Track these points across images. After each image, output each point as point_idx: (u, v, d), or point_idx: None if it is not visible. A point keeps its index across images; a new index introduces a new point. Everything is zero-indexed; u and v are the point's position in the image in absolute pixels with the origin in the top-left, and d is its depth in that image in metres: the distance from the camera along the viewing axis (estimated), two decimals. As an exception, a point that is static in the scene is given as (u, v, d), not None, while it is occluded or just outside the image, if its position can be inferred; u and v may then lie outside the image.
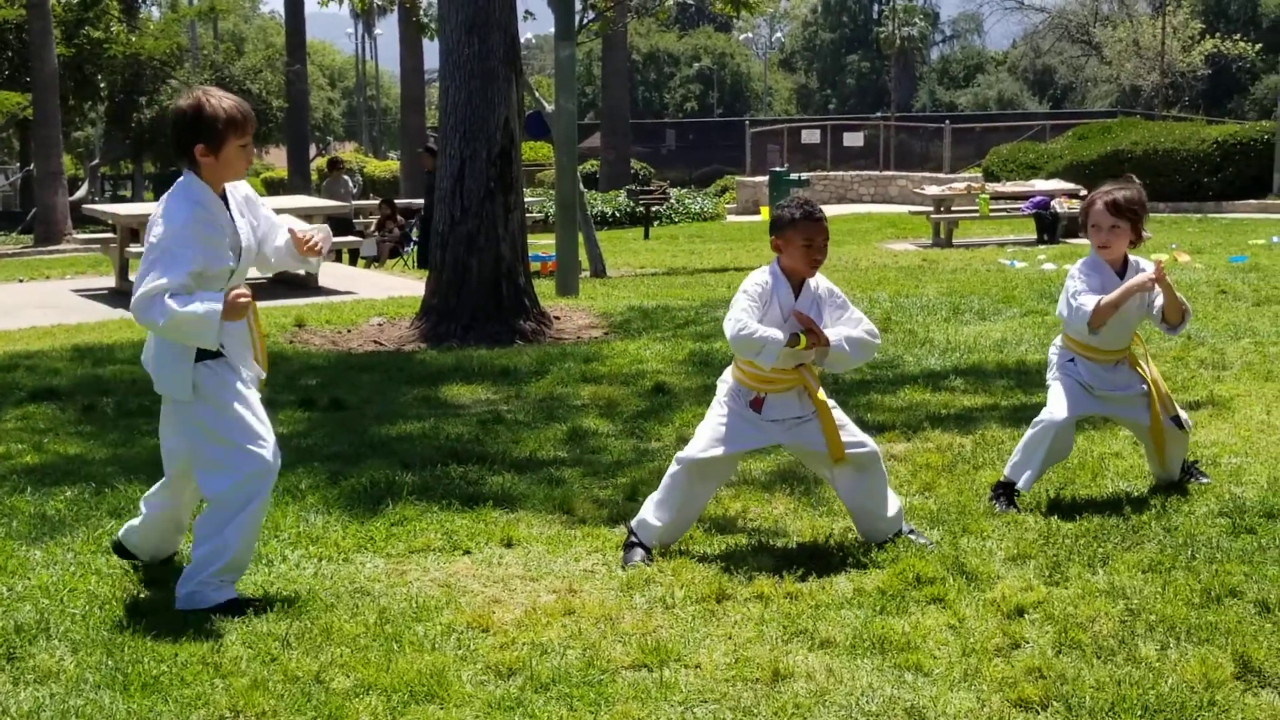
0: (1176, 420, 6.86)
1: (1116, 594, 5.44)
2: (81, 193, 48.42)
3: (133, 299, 5.40)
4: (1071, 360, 6.93)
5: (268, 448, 5.54)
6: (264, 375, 5.84)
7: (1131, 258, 6.87)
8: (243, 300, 5.49)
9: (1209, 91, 79.31)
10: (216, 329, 5.39)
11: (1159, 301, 6.80)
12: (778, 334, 5.94)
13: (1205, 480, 7.06)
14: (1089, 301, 6.65)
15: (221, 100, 5.50)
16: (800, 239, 6.06)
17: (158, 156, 54.81)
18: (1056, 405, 6.85)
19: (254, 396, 5.65)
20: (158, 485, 6.01)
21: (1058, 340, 7.10)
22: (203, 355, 5.54)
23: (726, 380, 6.26)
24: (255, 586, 5.88)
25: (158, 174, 65.97)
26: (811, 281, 6.16)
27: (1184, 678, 4.60)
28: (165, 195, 5.61)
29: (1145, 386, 6.86)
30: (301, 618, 5.41)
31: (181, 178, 5.57)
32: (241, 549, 5.55)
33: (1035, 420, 6.89)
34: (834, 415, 6.13)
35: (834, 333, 6.05)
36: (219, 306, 5.38)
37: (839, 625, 5.22)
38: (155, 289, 5.32)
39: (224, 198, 5.60)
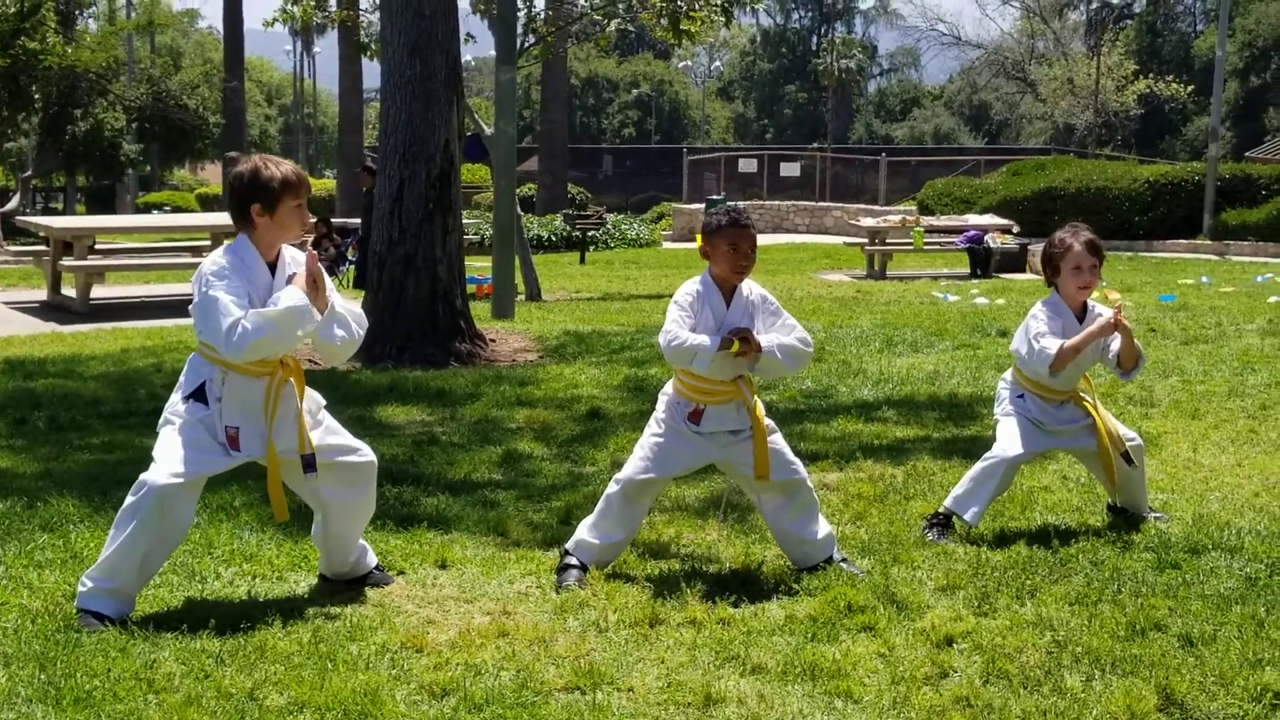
0: (1126, 457, 6.96)
1: (1044, 625, 5.52)
2: (13, 204, 47.91)
3: (224, 348, 5.52)
4: (1021, 396, 7.03)
5: (168, 474, 5.56)
6: (290, 448, 5.79)
7: (1088, 302, 6.99)
8: (314, 276, 5.69)
9: (1141, 131, 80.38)
10: (309, 310, 5.59)
11: (1115, 346, 6.92)
12: (706, 340, 6.01)
13: (1160, 517, 7.15)
14: (1052, 345, 6.75)
15: (279, 164, 5.74)
16: (725, 244, 6.14)
17: (91, 169, 54.35)
18: (1009, 441, 6.93)
19: (203, 438, 5.66)
20: None
21: (1007, 375, 7.19)
22: (196, 396, 5.68)
23: (667, 392, 6.33)
24: (189, 603, 5.88)
25: (90, 187, 65.48)
26: (744, 289, 6.24)
27: (1108, 709, 4.68)
28: (212, 253, 5.83)
29: (1090, 419, 6.96)
30: (235, 635, 5.41)
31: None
32: (113, 559, 5.58)
33: (986, 455, 6.96)
34: (769, 436, 6.20)
35: (767, 339, 6.14)
36: (295, 290, 5.60)
37: (771, 651, 5.27)
38: (229, 326, 5.47)
39: (274, 265, 5.75)
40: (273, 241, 5.75)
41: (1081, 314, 6.96)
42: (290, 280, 5.70)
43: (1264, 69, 80.00)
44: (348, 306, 5.91)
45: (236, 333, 5.46)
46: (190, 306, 5.71)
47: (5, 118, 44.26)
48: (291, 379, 5.77)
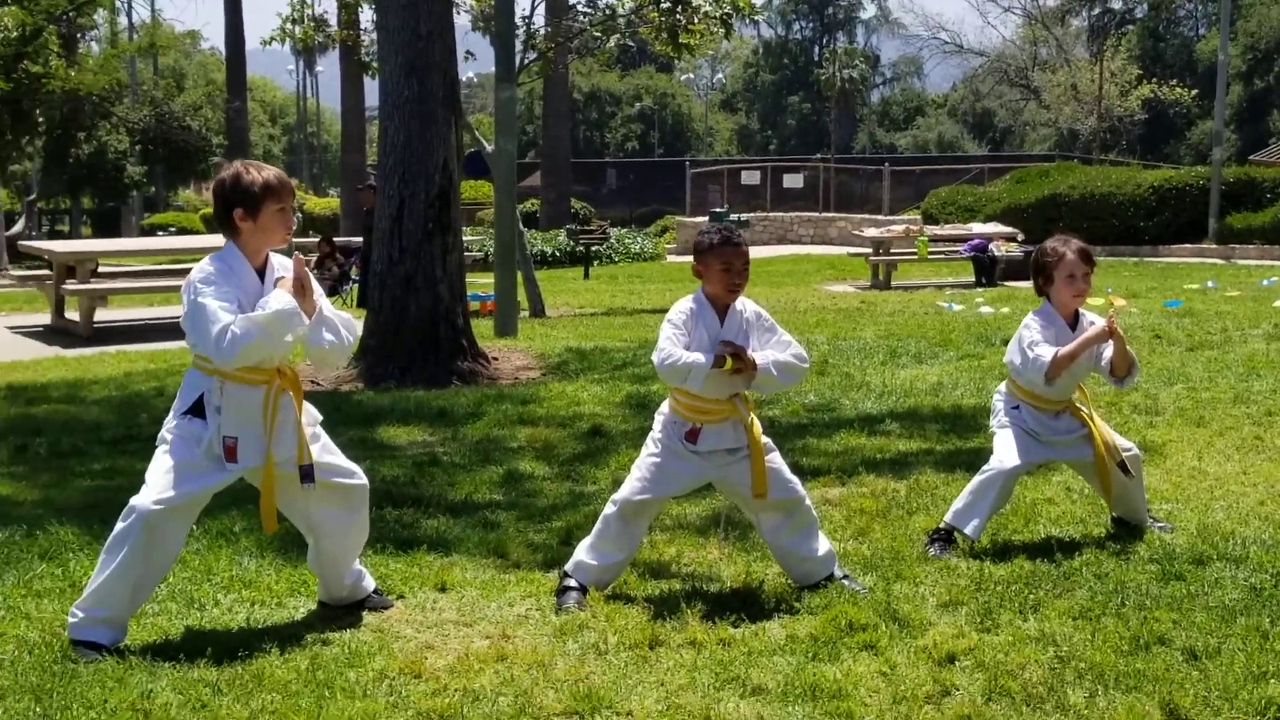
0: (1122, 466, 6.92)
1: (1047, 641, 5.48)
2: (18, 228, 48.01)
3: (214, 354, 5.49)
4: (1016, 407, 7.01)
5: (157, 498, 5.54)
6: (289, 458, 5.76)
7: (1080, 310, 6.97)
8: (300, 278, 5.67)
9: (1146, 136, 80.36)
10: (297, 313, 5.57)
11: (1107, 354, 6.90)
12: (700, 358, 5.98)
13: (1164, 527, 7.11)
14: (1046, 353, 6.73)
15: (263, 169, 5.72)
16: (719, 264, 6.12)
17: (95, 192, 54.50)
18: (1006, 453, 6.91)
19: (195, 459, 5.63)
20: None
21: (1001, 387, 7.17)
22: (193, 411, 5.65)
23: (663, 411, 6.29)
24: (187, 630, 5.85)
25: (95, 210, 65.56)
26: (739, 306, 6.21)
27: (1112, 725, 4.64)
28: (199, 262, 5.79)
29: (1086, 429, 6.93)
30: (233, 663, 5.37)
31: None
32: (104, 587, 5.55)
33: (984, 468, 6.93)
34: (767, 455, 6.17)
35: (762, 356, 6.10)
36: (283, 293, 5.58)
37: (771, 672, 5.23)
38: (218, 332, 5.45)
39: (262, 271, 5.73)
40: (258, 247, 5.71)
41: (1073, 322, 6.94)
42: (278, 285, 5.68)
43: (1267, 72, 79.97)
44: (337, 313, 5.88)
45: (226, 338, 5.43)
46: (180, 318, 5.69)
47: (9, 141, 44.32)
48: (289, 389, 5.74)
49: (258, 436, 5.65)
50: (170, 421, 5.69)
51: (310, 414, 5.90)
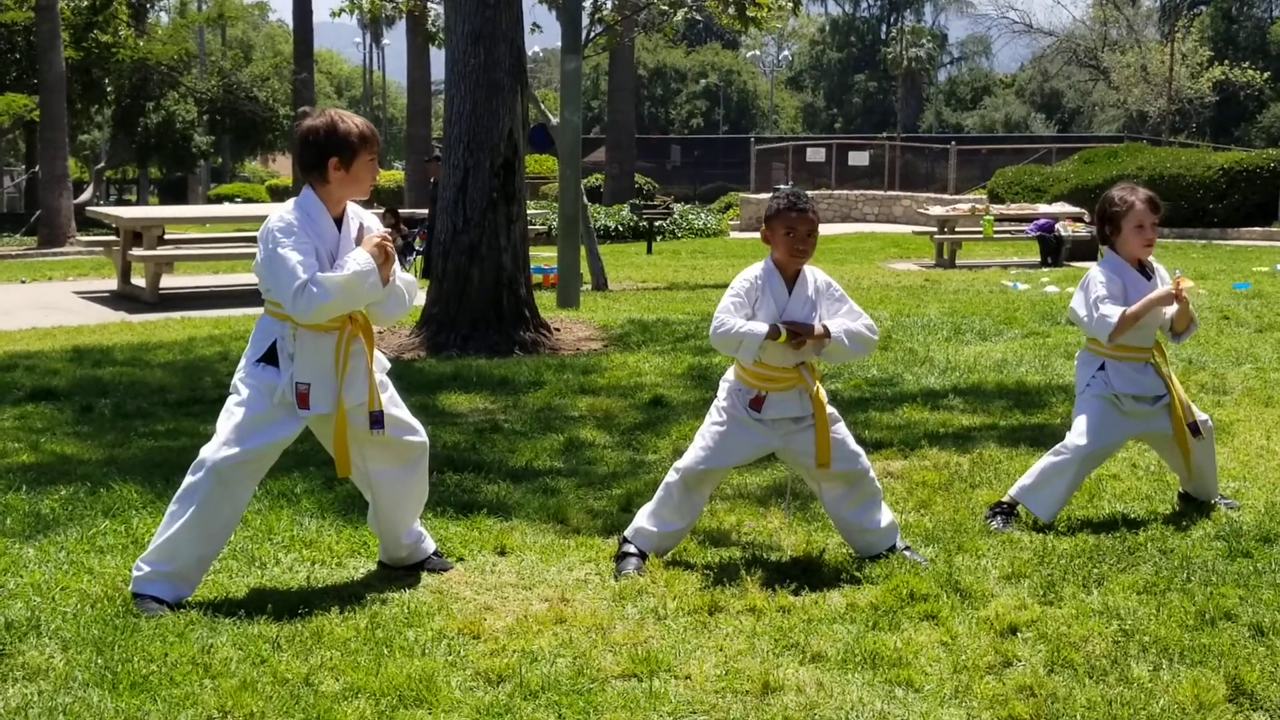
0: (1193, 427, 6.83)
1: (1111, 614, 5.42)
2: (86, 196, 48.41)
3: (290, 308, 5.52)
4: (1101, 368, 6.88)
5: (228, 450, 5.57)
6: (360, 402, 5.76)
7: (1150, 261, 6.88)
8: (384, 244, 5.68)
9: (1216, 119, 79.44)
10: (375, 274, 5.57)
11: (1169, 311, 6.80)
12: (754, 328, 5.95)
13: (1231, 504, 7.03)
14: (1113, 313, 6.63)
15: (353, 118, 5.73)
16: (782, 228, 6.08)
17: (163, 162, 54.86)
18: (1082, 435, 6.80)
19: (265, 410, 5.64)
20: None
21: (1082, 349, 7.06)
22: (266, 359, 5.67)
23: (729, 379, 6.26)
24: (248, 589, 5.87)
25: (162, 179, 66.03)
26: (808, 275, 6.17)
27: (1176, 699, 4.59)
28: (276, 207, 5.78)
29: (1168, 396, 6.84)
30: (293, 621, 5.39)
31: (300, 194, 5.75)
32: (171, 541, 5.59)
33: (1058, 448, 6.84)
34: (832, 425, 6.13)
35: (835, 324, 6.08)
36: (364, 254, 5.58)
37: (831, 639, 5.20)
38: (297, 288, 5.46)
39: (339, 220, 5.73)
40: (343, 197, 5.72)
41: (1141, 268, 6.84)
42: (358, 237, 5.68)
43: (1341, 54, 78.94)
44: (402, 275, 5.86)
45: (304, 296, 5.45)
46: (255, 263, 5.69)
47: (78, 110, 44.73)
48: (360, 335, 5.74)
49: (330, 383, 5.65)
50: (243, 369, 5.70)
51: (380, 362, 5.91)
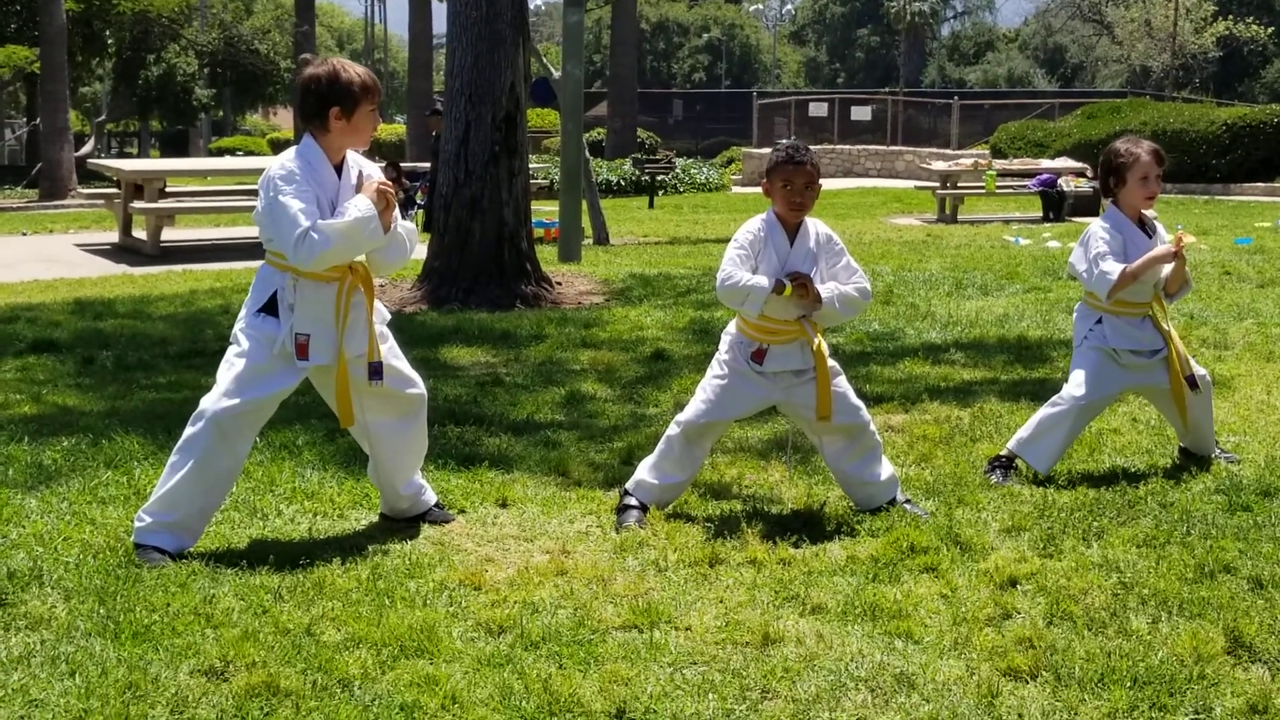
0: (1190, 380, 6.83)
1: (1110, 567, 5.44)
2: (87, 149, 48.30)
3: (292, 255, 5.51)
4: (1099, 321, 6.87)
5: (227, 401, 5.58)
6: (360, 353, 5.76)
7: (1147, 213, 6.87)
8: (385, 190, 5.68)
9: (1220, 74, 79.09)
10: (376, 220, 5.58)
11: (1165, 269, 6.79)
12: (762, 281, 5.94)
13: (1231, 458, 7.04)
14: (1113, 270, 6.62)
15: (355, 67, 5.73)
16: (780, 181, 6.08)
17: (164, 114, 54.68)
18: (1079, 386, 6.81)
19: (265, 361, 5.64)
20: None
21: (1080, 303, 7.05)
22: (267, 309, 5.65)
23: (730, 331, 6.26)
24: (250, 540, 5.89)
25: (163, 132, 65.86)
26: (810, 227, 6.15)
27: (1174, 651, 4.60)
28: (277, 155, 5.78)
29: (1166, 350, 6.83)
30: (295, 571, 5.41)
31: (300, 142, 5.72)
32: (173, 491, 5.61)
33: (1055, 399, 6.85)
34: (834, 379, 6.13)
35: (826, 289, 6.06)
36: (365, 201, 5.58)
37: (831, 592, 5.22)
38: (299, 235, 5.46)
39: (339, 168, 5.71)
40: (343, 146, 5.72)
41: (1142, 225, 6.83)
42: (357, 185, 5.67)
43: (1347, 10, 78.56)
44: (403, 223, 5.85)
45: (305, 242, 5.45)
46: (256, 212, 5.68)
47: (79, 63, 44.55)
48: (361, 286, 5.74)
49: (330, 333, 5.65)
50: (243, 319, 5.70)
51: (380, 313, 5.91)
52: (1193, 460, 7.01)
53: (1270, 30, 71.48)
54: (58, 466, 6.93)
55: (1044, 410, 6.88)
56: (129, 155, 64.79)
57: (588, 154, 22.12)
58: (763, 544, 5.74)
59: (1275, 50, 77.72)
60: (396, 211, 5.77)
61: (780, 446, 7.37)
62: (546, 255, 16.35)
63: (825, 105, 53.38)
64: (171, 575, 5.32)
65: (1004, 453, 6.91)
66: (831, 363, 6.18)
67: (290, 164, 5.59)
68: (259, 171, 23.73)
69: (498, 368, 9.89)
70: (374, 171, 5.78)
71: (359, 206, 5.55)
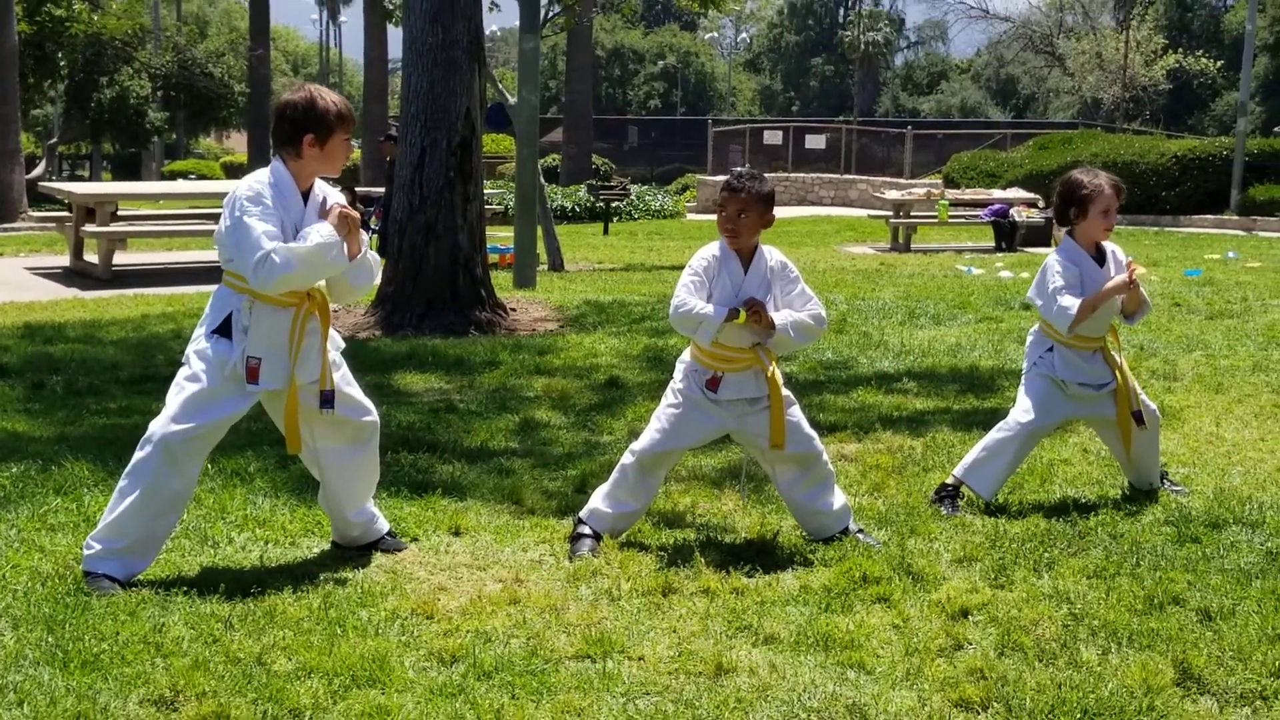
0: (1138, 416, 6.87)
1: (1060, 598, 5.47)
2: (39, 171, 47.97)
3: (252, 278, 5.48)
4: (1050, 349, 6.91)
5: (176, 425, 5.54)
6: (312, 380, 5.74)
7: (1104, 243, 6.90)
8: (345, 214, 5.66)
9: (1170, 106, 79.77)
10: (339, 246, 5.57)
11: (1119, 300, 6.83)
12: (713, 310, 5.95)
13: (1179, 490, 7.09)
14: (1072, 304, 6.65)
15: (331, 95, 5.73)
16: (717, 206, 6.12)
17: (116, 137, 54.39)
18: (1026, 410, 6.85)
19: (216, 384, 5.60)
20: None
21: (1035, 328, 7.09)
22: (221, 330, 5.62)
23: (685, 359, 6.27)
24: (200, 567, 5.85)
25: (115, 155, 65.50)
26: (765, 254, 6.17)
27: (1124, 683, 4.63)
28: (245, 177, 5.75)
29: (1114, 383, 6.87)
30: (246, 600, 5.38)
31: (270, 165, 5.72)
32: (121, 518, 5.56)
33: (1001, 424, 6.90)
34: (788, 408, 6.14)
35: (780, 316, 6.07)
36: (327, 227, 5.56)
37: (784, 622, 5.23)
38: (259, 258, 5.43)
39: (306, 194, 5.70)
40: (314, 172, 5.71)
41: (1097, 255, 6.87)
42: (323, 212, 5.66)
43: (1294, 44, 79.33)
44: (369, 252, 5.85)
45: (266, 265, 5.42)
46: (218, 231, 5.65)
47: (31, 85, 44.26)
48: (317, 313, 5.72)
49: (282, 358, 5.63)
50: (196, 341, 5.67)
51: (335, 340, 5.89)
52: (1142, 492, 7.05)
53: (1219, 64, 72.09)
54: (6, 493, 6.87)
55: (991, 434, 6.91)
56: (81, 178, 64.35)
57: (543, 180, 22.12)
58: (716, 573, 5.75)
59: (1224, 84, 78.38)
60: (364, 235, 5.77)
61: (734, 475, 7.38)
62: (501, 281, 16.34)
63: (780, 133, 53.50)
64: (121, 603, 5.28)
65: (950, 480, 6.93)
66: (785, 392, 6.20)
67: (259, 186, 5.57)
68: (212, 196, 23.56)
69: (451, 394, 9.87)
70: (339, 199, 5.77)
71: (321, 232, 5.53)
